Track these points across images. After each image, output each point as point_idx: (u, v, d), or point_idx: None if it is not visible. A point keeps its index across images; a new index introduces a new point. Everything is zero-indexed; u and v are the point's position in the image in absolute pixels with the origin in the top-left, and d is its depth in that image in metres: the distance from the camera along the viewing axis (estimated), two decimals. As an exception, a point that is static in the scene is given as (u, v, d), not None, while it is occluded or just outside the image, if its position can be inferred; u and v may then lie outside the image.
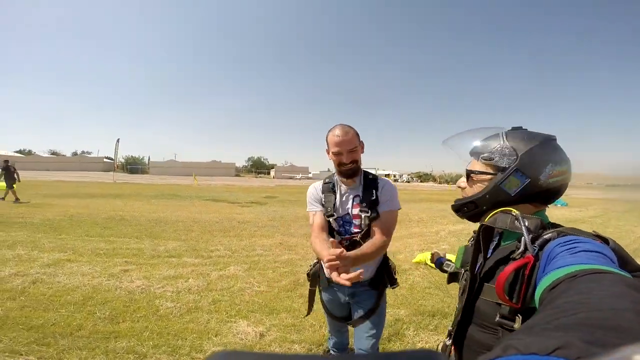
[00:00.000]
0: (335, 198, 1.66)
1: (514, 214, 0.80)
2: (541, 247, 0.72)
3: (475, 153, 0.96)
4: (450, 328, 0.98)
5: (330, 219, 1.64)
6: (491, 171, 0.91)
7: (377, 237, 1.59)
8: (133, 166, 64.23)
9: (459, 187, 1.04)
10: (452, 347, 0.99)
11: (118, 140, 33.96)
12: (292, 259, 4.99)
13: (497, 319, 0.77)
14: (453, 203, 1.04)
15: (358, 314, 1.71)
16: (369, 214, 1.60)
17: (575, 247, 0.64)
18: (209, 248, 5.49)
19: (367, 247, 1.55)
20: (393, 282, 1.74)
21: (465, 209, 0.98)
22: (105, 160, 64.24)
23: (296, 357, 0.24)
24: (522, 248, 0.75)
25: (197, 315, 2.93)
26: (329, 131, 1.59)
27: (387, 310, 3.08)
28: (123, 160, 66.48)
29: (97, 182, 24.52)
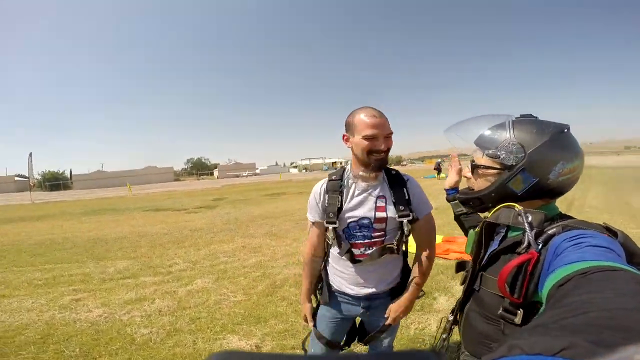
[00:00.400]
0: (343, 199, 1.39)
1: (517, 210, 0.80)
2: (545, 242, 0.72)
3: (480, 145, 0.92)
4: (451, 317, 1.01)
5: (330, 227, 1.37)
6: (497, 166, 0.87)
7: (426, 256, 1.45)
8: (53, 182, 56.71)
9: (465, 176, 1.03)
10: (454, 326, 1.06)
11: (30, 155, 29.96)
12: (261, 262, 4.87)
13: (500, 311, 0.78)
14: (458, 195, 1.04)
15: (373, 328, 1.53)
16: (410, 218, 1.37)
17: (582, 243, 0.64)
18: (166, 263, 5.12)
19: (417, 282, 1.43)
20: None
21: (471, 203, 0.97)
22: (17, 178, 55.70)
23: (296, 357, 0.23)
24: (525, 243, 0.75)
25: (180, 337, 2.73)
26: (354, 113, 1.33)
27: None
28: (40, 177, 58.59)
29: (11, 204, 21.29)
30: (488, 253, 0.90)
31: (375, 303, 1.47)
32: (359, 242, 1.39)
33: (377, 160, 1.31)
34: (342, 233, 1.40)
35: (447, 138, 1.03)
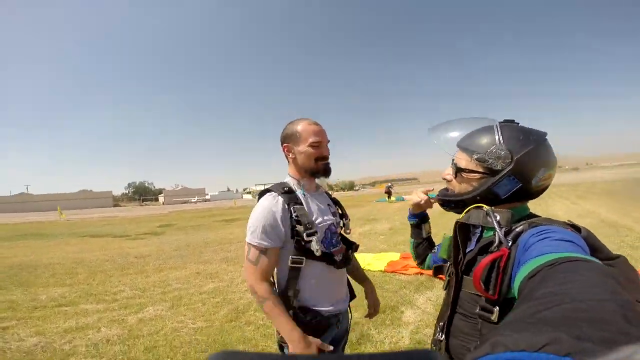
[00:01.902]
0: (306, 208, 1.30)
1: (485, 209, 0.83)
2: (514, 239, 0.75)
3: (467, 149, 0.92)
4: (441, 323, 0.95)
5: (314, 239, 1.24)
6: (481, 170, 0.89)
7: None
8: (-38, 203, 49.71)
9: (444, 178, 1.02)
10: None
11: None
12: (219, 287, 4.61)
13: (477, 310, 0.80)
14: (438, 195, 1.03)
15: (337, 340, 1.44)
16: (348, 220, 1.49)
17: (548, 237, 0.67)
18: (110, 290, 4.66)
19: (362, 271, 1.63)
20: (353, 293, 1.55)
21: (453, 205, 0.97)
22: None
23: (296, 357, 0.25)
24: (497, 242, 0.78)
25: (137, 366, 2.42)
26: (294, 123, 1.33)
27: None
28: (-54, 197, 51.08)
29: None
30: (466, 254, 0.90)
31: (343, 315, 1.41)
32: (337, 248, 1.36)
33: (324, 165, 1.35)
34: (321, 243, 1.29)
35: (432, 137, 1.04)
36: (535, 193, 0.89)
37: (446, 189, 1.02)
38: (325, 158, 1.33)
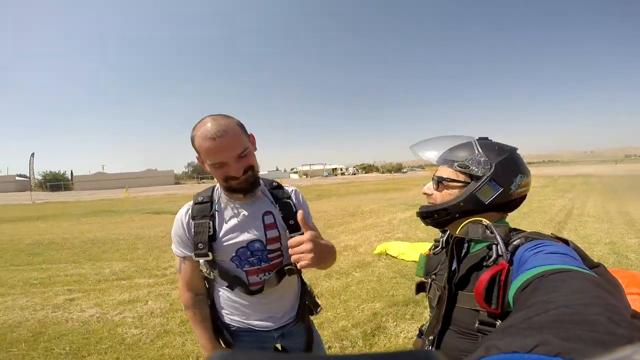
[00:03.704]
0: (216, 225, 1.17)
1: (485, 224, 0.82)
2: (512, 253, 0.75)
3: (448, 160, 0.96)
4: (430, 337, 0.93)
5: (201, 260, 1.15)
6: (462, 179, 0.92)
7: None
8: (54, 183, 56.62)
9: (425, 193, 1.02)
10: None
11: (32, 155, 30.14)
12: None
13: (477, 325, 0.78)
14: (419, 210, 1.01)
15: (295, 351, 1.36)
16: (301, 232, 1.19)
17: (542, 250, 0.68)
18: (161, 266, 5.15)
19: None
20: (317, 307, 1.40)
21: (436, 215, 0.96)
22: (17, 178, 55.71)
23: (296, 357, 0.23)
24: (494, 255, 0.77)
25: (169, 339, 2.77)
26: (195, 130, 1.07)
27: (363, 306, 3.20)
28: (40, 177, 58.81)
29: (11, 204, 21.35)
30: (459, 270, 0.89)
31: (287, 331, 1.30)
32: (255, 268, 1.18)
33: (238, 184, 1.11)
34: (231, 262, 1.18)
35: (414, 153, 1.07)
36: (514, 201, 0.92)
37: (427, 205, 1.02)
38: (235, 179, 1.09)
